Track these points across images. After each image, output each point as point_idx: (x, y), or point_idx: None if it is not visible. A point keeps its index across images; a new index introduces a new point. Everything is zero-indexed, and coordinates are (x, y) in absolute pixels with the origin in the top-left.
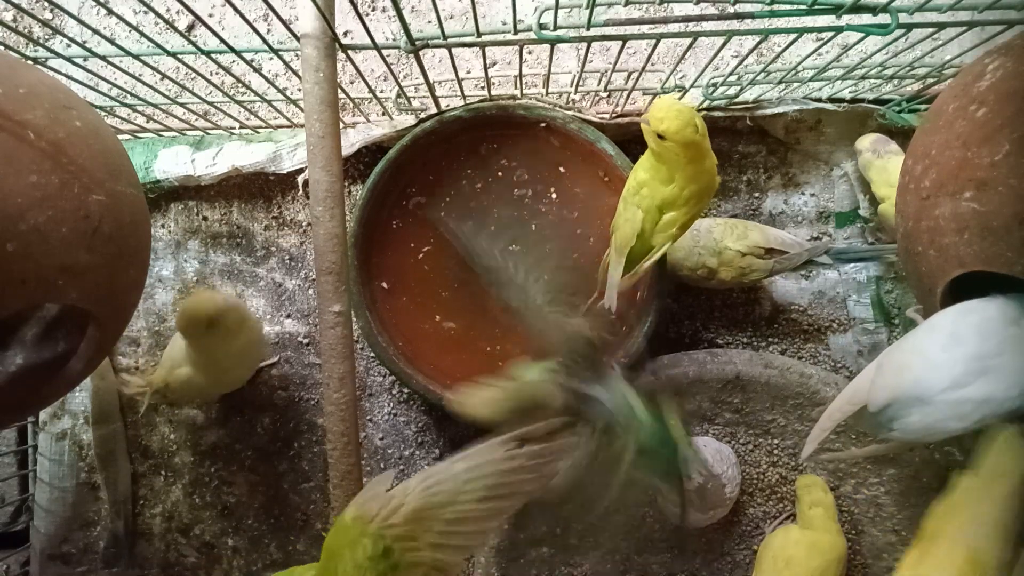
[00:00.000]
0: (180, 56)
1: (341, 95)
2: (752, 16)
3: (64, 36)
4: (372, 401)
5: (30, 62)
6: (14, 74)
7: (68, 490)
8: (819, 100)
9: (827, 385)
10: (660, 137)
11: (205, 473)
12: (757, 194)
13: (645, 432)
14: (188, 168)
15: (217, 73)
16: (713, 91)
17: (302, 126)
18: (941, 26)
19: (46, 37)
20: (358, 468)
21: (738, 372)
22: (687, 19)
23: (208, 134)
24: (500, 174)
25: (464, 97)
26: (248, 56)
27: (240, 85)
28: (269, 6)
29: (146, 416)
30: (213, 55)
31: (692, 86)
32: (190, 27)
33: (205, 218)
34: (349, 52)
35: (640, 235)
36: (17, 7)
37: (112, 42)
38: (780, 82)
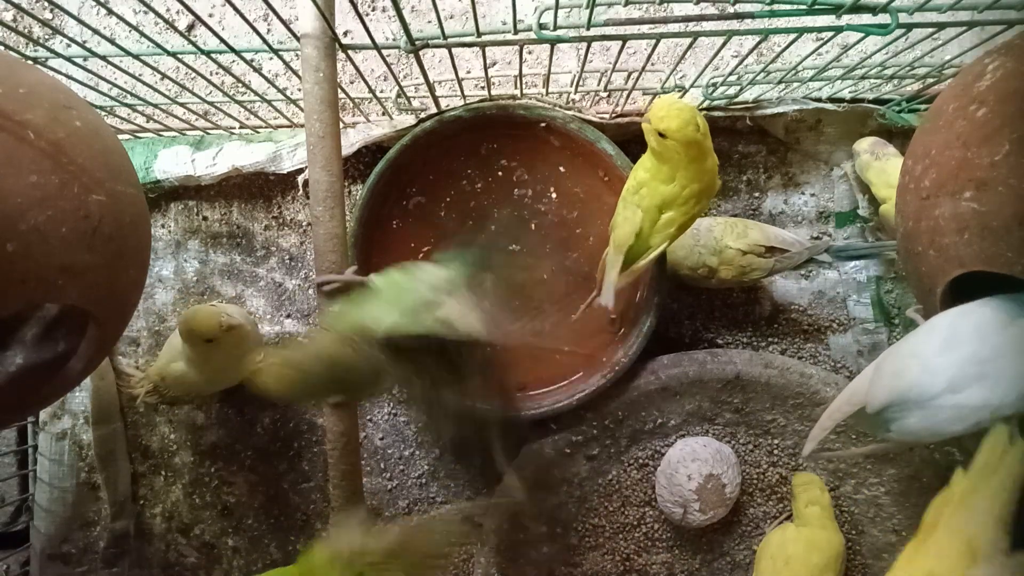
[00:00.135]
0: (180, 56)
1: (341, 95)
2: (752, 16)
3: (64, 36)
4: (372, 401)
5: (30, 62)
6: (14, 74)
7: (68, 490)
8: (819, 100)
9: (827, 385)
10: (661, 136)
11: (205, 473)
12: (757, 194)
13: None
14: (188, 168)
15: (217, 73)
16: (713, 91)
17: (302, 126)
18: (941, 26)
19: (46, 37)
20: (358, 468)
21: (738, 372)
22: (687, 19)
23: (208, 134)
24: (500, 174)
25: (464, 97)
26: (248, 56)
27: (240, 85)
28: (269, 6)
29: (146, 416)
30: (213, 55)
31: (692, 86)
32: (190, 27)
33: (205, 218)
34: (349, 52)
35: (638, 235)
36: (17, 7)
37: (112, 42)
38: (780, 82)
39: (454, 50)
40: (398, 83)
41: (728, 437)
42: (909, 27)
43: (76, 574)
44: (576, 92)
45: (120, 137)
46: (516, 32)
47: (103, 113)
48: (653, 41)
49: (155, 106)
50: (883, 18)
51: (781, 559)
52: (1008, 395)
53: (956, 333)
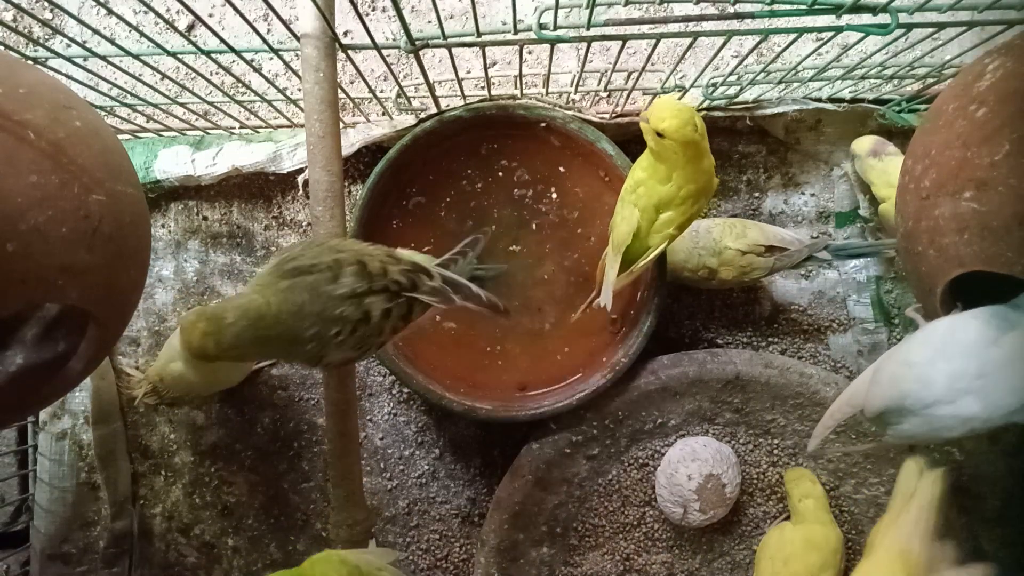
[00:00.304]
0: (180, 56)
1: (341, 95)
2: (752, 16)
3: (64, 36)
4: (372, 401)
5: (30, 62)
6: (14, 74)
7: (68, 490)
8: (819, 100)
9: (827, 385)
10: (659, 135)
11: (205, 473)
12: (757, 194)
13: None
14: (188, 168)
15: (217, 73)
16: (713, 91)
17: (302, 126)
18: (941, 26)
19: (46, 37)
20: (358, 468)
21: (738, 372)
22: (687, 19)
23: (208, 134)
24: (500, 174)
25: (464, 97)
26: (248, 56)
27: (240, 85)
28: (269, 6)
29: (146, 416)
30: (213, 55)
31: (692, 86)
32: (190, 27)
33: (205, 218)
34: (349, 52)
35: (637, 235)
36: (17, 7)
37: (112, 42)
38: (780, 82)
39: (454, 50)
40: (398, 83)
41: (728, 437)
42: (909, 27)
43: (76, 574)
44: (576, 92)
45: (120, 137)
46: (516, 32)
47: (103, 113)
48: (653, 41)
49: (155, 106)
50: (883, 18)
51: (780, 559)
52: (999, 407)
53: (945, 348)
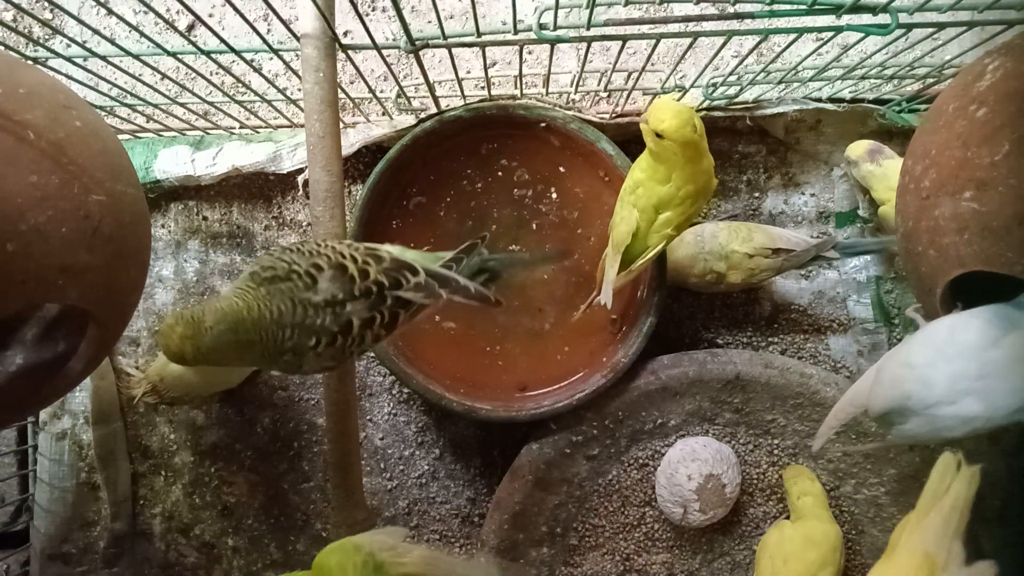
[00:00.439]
0: (180, 56)
1: (341, 95)
2: (752, 16)
3: (64, 36)
4: (372, 401)
5: (30, 62)
6: (14, 74)
7: (68, 490)
8: (819, 100)
9: (827, 385)
10: (659, 136)
11: (205, 473)
12: (757, 194)
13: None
14: (188, 168)
15: (217, 73)
16: (713, 91)
17: (302, 126)
18: (941, 26)
19: (46, 37)
20: (358, 468)
21: (738, 372)
22: (687, 19)
23: (208, 134)
24: (500, 174)
25: (464, 97)
26: (248, 56)
27: (240, 85)
28: (269, 6)
29: (146, 416)
30: (213, 55)
31: (692, 86)
32: (190, 27)
33: (205, 218)
34: (349, 52)
35: (636, 235)
36: (17, 7)
37: (112, 42)
38: (780, 82)
39: (454, 50)
40: (398, 83)
41: (728, 437)
42: (909, 27)
43: (76, 574)
44: (576, 92)
45: (120, 137)
46: (516, 32)
47: (103, 113)
48: (653, 41)
49: (155, 106)
50: (883, 18)
51: (780, 558)
52: (1000, 407)
53: (950, 345)
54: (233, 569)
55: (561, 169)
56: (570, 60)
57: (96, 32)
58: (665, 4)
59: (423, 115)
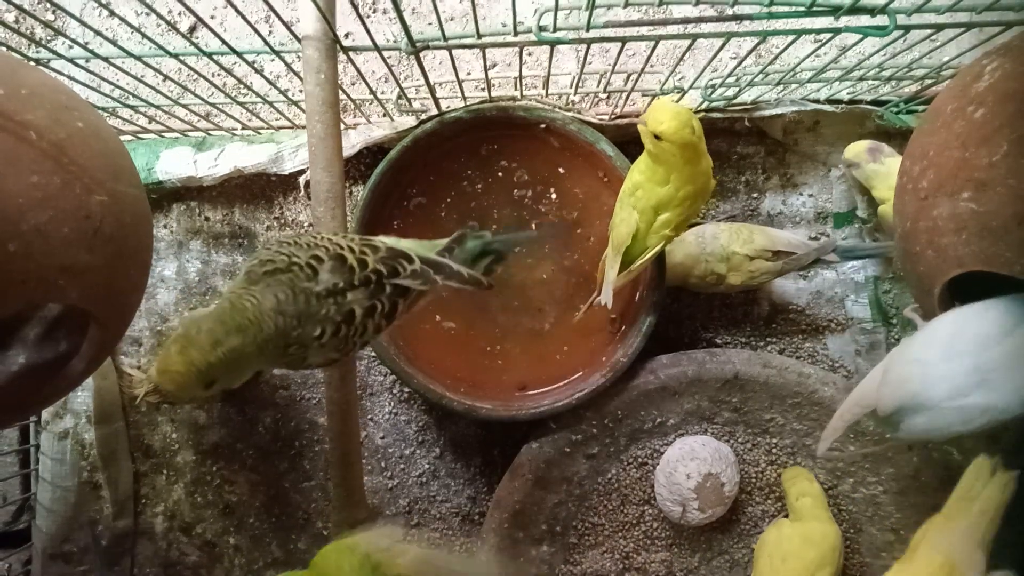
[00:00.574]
0: (182, 57)
1: (342, 96)
2: (750, 18)
3: (66, 37)
4: (373, 400)
5: (32, 63)
6: (16, 75)
7: (70, 489)
8: (817, 101)
9: (825, 385)
10: (657, 138)
11: (207, 472)
12: (755, 195)
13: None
14: (190, 169)
15: (219, 74)
16: (712, 92)
17: (303, 127)
18: (939, 27)
19: (48, 38)
20: (359, 467)
21: (737, 372)
22: (686, 21)
23: (210, 135)
24: (500, 175)
25: (464, 98)
26: (250, 58)
27: (242, 86)
28: (271, 8)
29: (148, 415)
30: (215, 56)
31: (691, 87)
32: (192, 28)
33: (207, 219)
34: (350, 53)
35: (636, 236)
36: (19, 8)
37: (114, 43)
38: (778, 83)
39: (454, 52)
40: (399, 84)
41: (727, 436)
42: (907, 28)
43: (78, 573)
44: (576, 93)
45: (122, 138)
46: (516, 34)
47: (105, 114)
48: (652, 43)
49: (157, 107)
50: (881, 19)
51: (778, 556)
52: (1011, 400)
53: (957, 340)
54: (234, 568)
55: (561, 170)
56: (570, 62)
57: (98, 33)
58: (664, 6)
59: (424, 116)
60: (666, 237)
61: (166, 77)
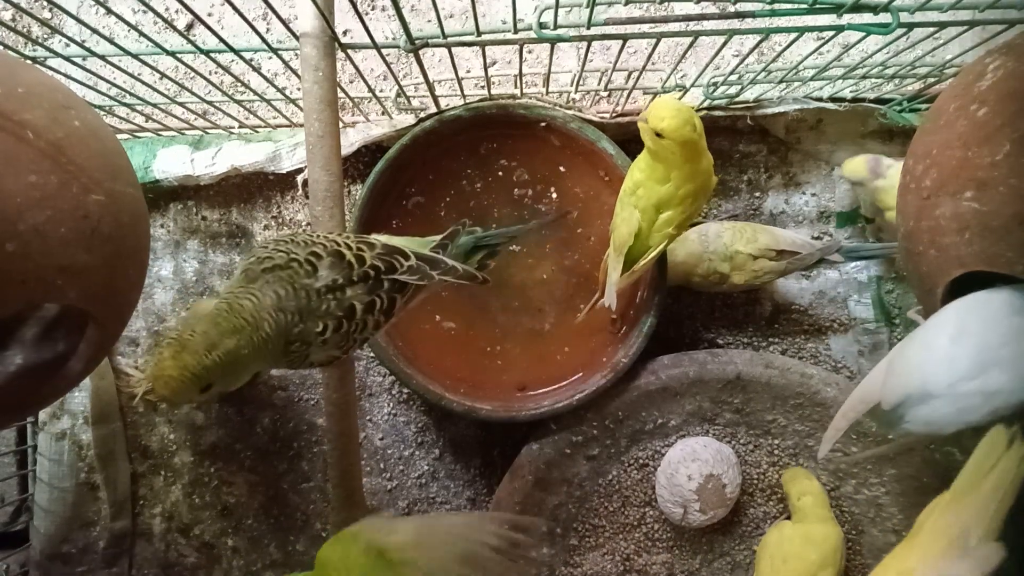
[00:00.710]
0: (179, 55)
1: (340, 94)
2: (753, 15)
3: (63, 35)
4: (372, 401)
5: (29, 61)
6: (13, 74)
7: (68, 490)
8: (820, 99)
9: (827, 385)
10: (658, 135)
11: (205, 473)
12: (758, 194)
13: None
14: (187, 168)
15: (216, 72)
16: (714, 90)
17: (301, 125)
18: (942, 25)
19: (45, 36)
20: (358, 468)
21: (739, 372)
22: (688, 18)
23: (207, 133)
24: (500, 173)
25: (464, 96)
26: (247, 55)
27: (239, 84)
28: (268, 5)
29: (146, 416)
30: (212, 54)
31: (693, 85)
32: (189, 26)
33: (204, 218)
34: (348, 51)
35: (638, 235)
36: (16, 6)
37: (111, 41)
38: (781, 81)
39: (454, 49)
40: (398, 82)
41: (728, 437)
42: (910, 26)
43: (76, 574)
44: (576, 91)
45: (119, 137)
46: (516, 31)
47: (102, 113)
48: (653, 40)
49: (154, 105)
50: (884, 17)
51: (779, 558)
52: (1021, 382)
53: (965, 323)
54: (233, 569)
55: (561, 169)
56: (570, 59)
57: (95, 31)
58: (666, 3)
59: (423, 114)
60: (669, 236)
61: (163, 75)
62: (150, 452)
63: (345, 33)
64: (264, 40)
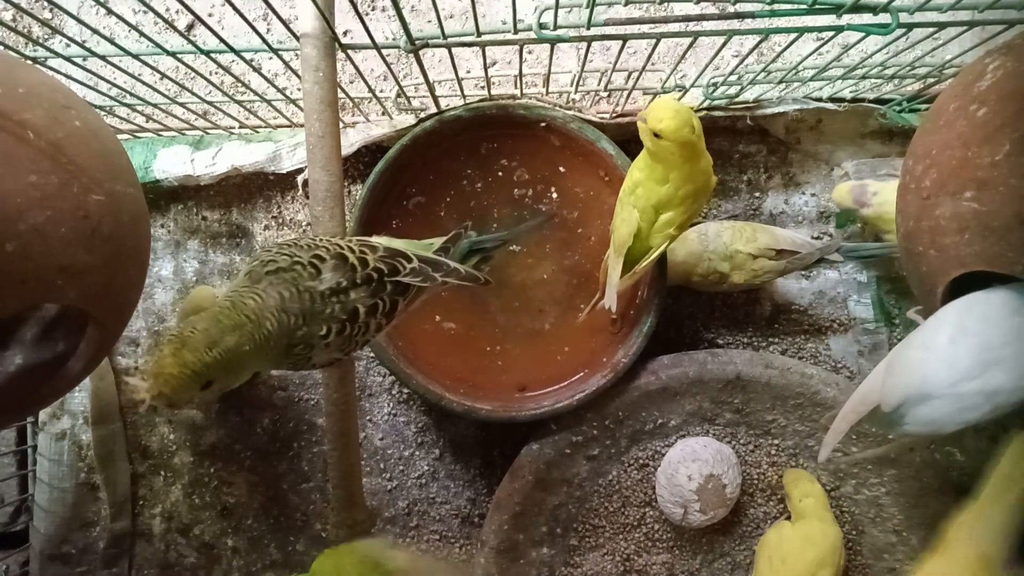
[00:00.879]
0: (179, 56)
1: (341, 95)
2: (752, 16)
3: (63, 36)
4: (372, 401)
5: (29, 62)
6: (13, 74)
7: (67, 490)
8: (820, 100)
9: (827, 385)
10: (656, 136)
11: (204, 473)
12: (757, 194)
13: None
14: (187, 168)
15: (216, 73)
16: (713, 91)
17: (302, 126)
18: (942, 26)
19: (45, 37)
20: (358, 468)
21: (738, 372)
22: (687, 19)
23: (207, 134)
24: (500, 174)
25: (464, 97)
26: (248, 56)
27: (240, 85)
28: (269, 6)
29: (145, 416)
30: (212, 55)
31: (692, 86)
32: (189, 26)
33: (204, 218)
34: (349, 52)
35: (637, 236)
36: (16, 7)
37: (111, 42)
38: (780, 82)
39: (454, 50)
40: (398, 83)
41: (728, 437)
42: (910, 27)
43: (76, 574)
44: (576, 92)
45: (119, 137)
46: (516, 32)
47: (102, 113)
48: (653, 41)
49: (154, 106)
50: (884, 18)
51: (778, 558)
52: (1021, 380)
53: (965, 322)
54: (232, 569)
55: (561, 169)
56: (570, 60)
57: (95, 32)
58: (665, 4)
59: (423, 115)
60: (669, 236)
61: (164, 75)
62: (150, 452)
63: (345, 33)
64: (264, 40)
